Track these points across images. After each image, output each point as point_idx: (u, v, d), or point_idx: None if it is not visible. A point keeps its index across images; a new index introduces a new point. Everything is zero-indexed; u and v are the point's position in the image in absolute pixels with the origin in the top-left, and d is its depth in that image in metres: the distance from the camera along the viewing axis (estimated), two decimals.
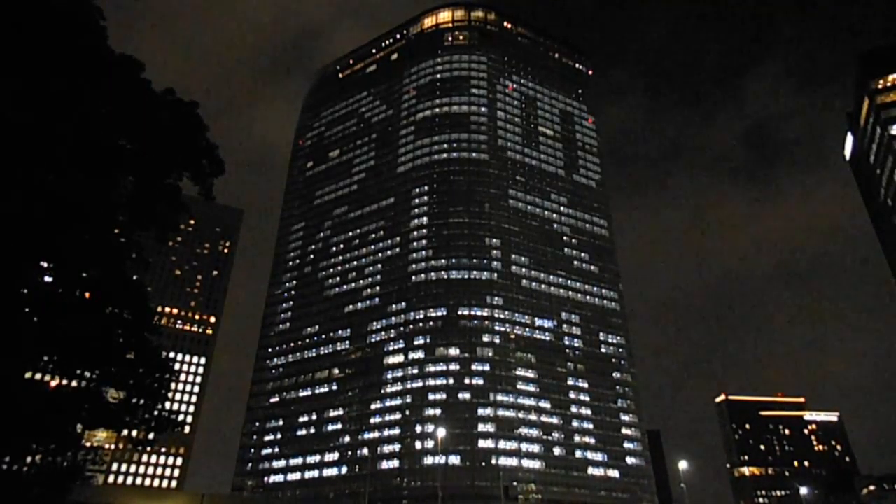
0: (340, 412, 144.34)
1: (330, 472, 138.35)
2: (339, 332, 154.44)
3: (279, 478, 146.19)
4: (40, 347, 18.52)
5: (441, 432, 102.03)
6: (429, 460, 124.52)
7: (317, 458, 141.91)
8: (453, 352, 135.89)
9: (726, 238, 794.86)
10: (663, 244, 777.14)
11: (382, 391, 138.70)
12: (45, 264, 19.27)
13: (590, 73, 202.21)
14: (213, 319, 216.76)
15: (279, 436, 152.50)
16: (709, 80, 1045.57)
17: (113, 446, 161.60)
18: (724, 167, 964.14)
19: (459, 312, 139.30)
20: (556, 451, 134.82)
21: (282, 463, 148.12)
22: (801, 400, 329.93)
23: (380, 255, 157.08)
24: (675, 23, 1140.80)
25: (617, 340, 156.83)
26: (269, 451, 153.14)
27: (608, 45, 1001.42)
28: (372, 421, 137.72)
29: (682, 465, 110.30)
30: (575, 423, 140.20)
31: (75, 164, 18.70)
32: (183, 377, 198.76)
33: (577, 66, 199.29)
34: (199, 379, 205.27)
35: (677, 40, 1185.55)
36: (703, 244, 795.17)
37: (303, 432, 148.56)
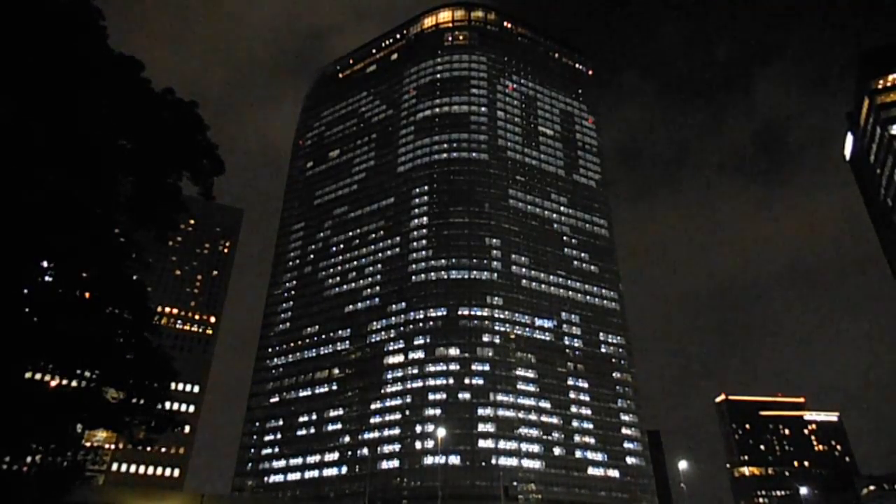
0: (340, 412, 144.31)
1: (330, 472, 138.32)
2: (339, 332, 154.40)
3: (279, 478, 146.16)
4: (40, 347, 18.50)
5: (441, 432, 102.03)
6: (429, 460, 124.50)
7: (317, 458, 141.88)
8: (453, 352, 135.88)
9: (731, 238, 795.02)
10: (668, 244, 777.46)
11: (382, 391, 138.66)
12: (45, 264, 19.25)
13: (590, 73, 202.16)
14: (213, 319, 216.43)
15: (279, 436, 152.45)
16: (718, 82, 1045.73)
17: (113, 446, 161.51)
18: (733, 168, 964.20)
19: (459, 312, 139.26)
20: (556, 451, 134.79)
21: (282, 463, 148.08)
22: (801, 400, 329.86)
23: (380, 255, 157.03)
24: (684, 25, 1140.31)
25: (617, 340, 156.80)
26: (269, 451, 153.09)
27: (618, 48, 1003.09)
28: (372, 421, 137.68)
29: (682, 465, 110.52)
30: (575, 423, 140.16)
31: (75, 164, 18.68)
32: (183, 377, 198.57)
33: (577, 66, 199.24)
34: (199, 379, 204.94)
35: (687, 42, 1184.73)
36: (708, 245, 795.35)
37: (303, 432, 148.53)
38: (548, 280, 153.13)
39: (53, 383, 19.80)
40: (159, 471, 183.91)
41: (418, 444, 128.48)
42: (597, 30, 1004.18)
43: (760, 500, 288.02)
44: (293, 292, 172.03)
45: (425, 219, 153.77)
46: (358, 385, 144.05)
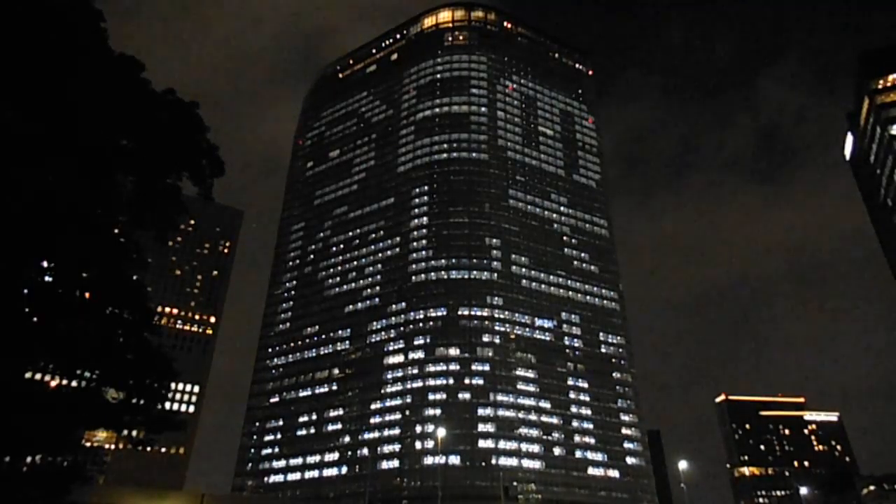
0: (340, 412, 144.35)
1: (330, 472, 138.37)
2: (339, 332, 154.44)
3: (279, 478, 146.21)
4: (40, 347, 18.52)
5: (441, 432, 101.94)
6: (429, 460, 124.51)
7: (317, 458, 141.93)
8: (453, 352, 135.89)
9: (732, 238, 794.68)
10: (669, 244, 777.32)
11: (382, 391, 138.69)
12: (45, 264, 19.26)
13: (590, 73, 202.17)
14: (213, 319, 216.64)
15: (279, 436, 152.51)
16: (721, 82, 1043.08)
17: (113, 446, 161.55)
18: (735, 168, 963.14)
19: (459, 312, 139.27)
20: (556, 451, 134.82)
21: (282, 463, 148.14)
22: (801, 400, 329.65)
23: (380, 255, 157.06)
24: (687, 25, 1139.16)
25: (617, 340, 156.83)
26: (269, 451, 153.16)
27: (621, 48, 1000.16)
28: (372, 421, 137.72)
29: (682, 465, 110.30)
30: (575, 423, 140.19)
31: (75, 164, 18.69)
32: (183, 377, 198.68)
33: (577, 66, 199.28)
34: (199, 379, 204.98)
35: (690, 42, 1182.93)
36: (709, 244, 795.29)
37: (303, 432, 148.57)
38: (548, 280, 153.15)
39: (53, 383, 19.81)
40: (159, 471, 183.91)
41: (418, 444, 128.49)
42: (598, 30, 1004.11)
43: (760, 500, 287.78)
44: (293, 292, 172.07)
45: (425, 219, 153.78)
46: (358, 385, 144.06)
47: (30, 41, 17.24)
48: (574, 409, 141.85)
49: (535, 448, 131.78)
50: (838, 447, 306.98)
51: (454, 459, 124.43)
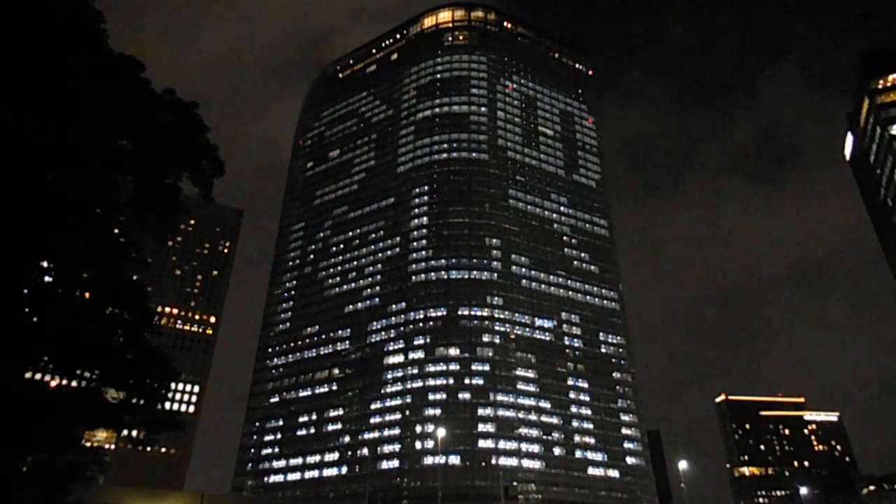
0: (340, 412, 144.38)
1: (330, 472, 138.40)
2: (339, 332, 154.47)
3: (279, 478, 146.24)
4: (40, 347, 18.51)
5: (441, 432, 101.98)
6: (429, 460, 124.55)
7: (317, 458, 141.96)
8: (453, 352, 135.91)
9: (733, 238, 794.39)
10: (670, 244, 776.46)
11: (382, 391, 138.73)
12: (45, 264, 19.26)
13: (590, 73, 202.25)
14: (213, 319, 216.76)
15: (279, 436, 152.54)
16: (723, 82, 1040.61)
17: (113, 446, 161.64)
18: (736, 168, 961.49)
19: (459, 312, 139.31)
20: (556, 451, 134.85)
21: (282, 463, 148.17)
22: (801, 400, 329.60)
23: (380, 255, 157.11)
24: (689, 25, 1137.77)
25: (617, 340, 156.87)
26: (269, 451, 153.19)
27: (622, 48, 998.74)
28: (372, 421, 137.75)
29: (682, 465, 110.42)
30: (575, 423, 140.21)
31: (75, 164, 18.70)
32: (183, 377, 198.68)
33: (577, 66, 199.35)
34: (199, 379, 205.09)
35: (692, 43, 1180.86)
36: (710, 245, 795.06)
37: (303, 432, 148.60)
38: (548, 280, 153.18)
39: (53, 383, 19.80)
40: (159, 471, 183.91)
41: (418, 444, 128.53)
42: (598, 30, 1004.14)
43: (760, 500, 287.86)
44: (293, 292, 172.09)
45: (425, 219, 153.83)
46: (358, 385, 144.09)
47: (30, 41, 17.24)
48: (574, 409, 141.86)
49: (535, 448, 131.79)
50: (838, 447, 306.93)
51: (454, 459, 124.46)
